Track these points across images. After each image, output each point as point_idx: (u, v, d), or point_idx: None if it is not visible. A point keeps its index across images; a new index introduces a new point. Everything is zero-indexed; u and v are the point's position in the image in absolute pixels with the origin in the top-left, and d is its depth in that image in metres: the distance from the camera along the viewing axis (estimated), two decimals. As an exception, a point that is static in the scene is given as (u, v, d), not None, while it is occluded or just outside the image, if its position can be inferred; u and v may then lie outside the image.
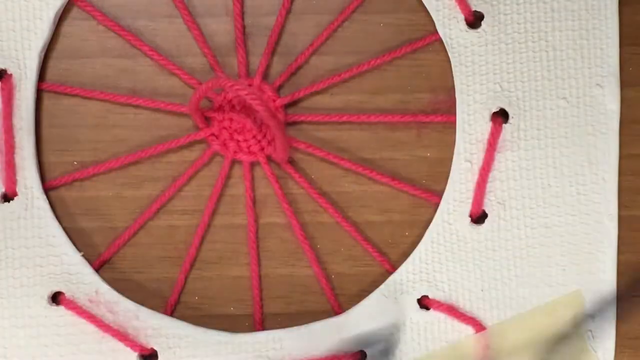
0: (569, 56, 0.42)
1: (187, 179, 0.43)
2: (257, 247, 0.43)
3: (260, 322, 0.43)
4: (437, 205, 0.42)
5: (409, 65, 0.43)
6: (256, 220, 0.43)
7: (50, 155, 0.43)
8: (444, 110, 0.43)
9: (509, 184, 0.42)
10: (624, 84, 0.42)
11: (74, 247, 0.42)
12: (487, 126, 0.42)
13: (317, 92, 0.43)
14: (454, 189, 0.42)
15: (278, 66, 0.43)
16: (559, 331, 0.42)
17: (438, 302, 0.42)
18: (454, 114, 0.42)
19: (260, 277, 0.43)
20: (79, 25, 0.43)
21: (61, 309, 0.41)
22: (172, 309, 0.43)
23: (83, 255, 0.42)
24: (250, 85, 0.42)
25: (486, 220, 0.42)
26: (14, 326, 0.41)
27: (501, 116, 0.42)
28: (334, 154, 0.43)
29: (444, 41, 0.42)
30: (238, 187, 0.43)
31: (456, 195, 0.42)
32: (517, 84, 0.42)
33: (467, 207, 0.42)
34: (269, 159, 0.43)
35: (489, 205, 0.42)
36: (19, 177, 0.41)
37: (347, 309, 0.42)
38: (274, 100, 0.42)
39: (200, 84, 0.41)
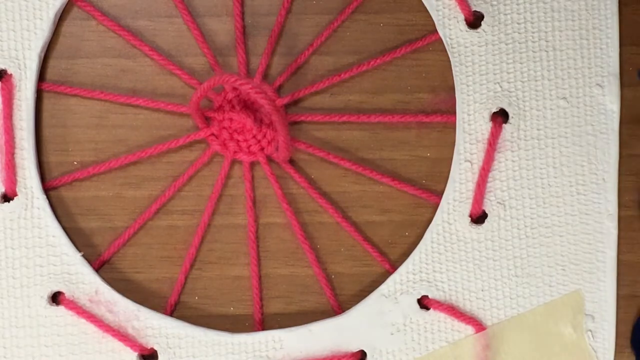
0: (569, 56, 0.42)
1: (187, 179, 0.43)
2: (257, 247, 0.43)
3: (260, 322, 0.43)
4: (437, 205, 0.42)
5: (409, 65, 0.43)
6: (256, 220, 0.43)
7: (50, 155, 0.43)
8: (444, 110, 0.43)
9: (509, 184, 0.42)
10: (624, 84, 0.42)
11: (74, 247, 0.42)
12: (487, 126, 0.42)
13: (317, 92, 0.43)
14: (454, 189, 0.42)
15: (278, 66, 0.43)
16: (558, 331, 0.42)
17: (438, 302, 0.42)
18: (454, 114, 0.42)
19: (260, 277, 0.43)
20: (79, 25, 0.43)
21: (61, 309, 0.41)
22: (172, 309, 0.43)
23: (83, 255, 0.42)
24: (250, 85, 0.42)
25: (486, 220, 0.42)
26: (14, 326, 0.41)
27: (501, 116, 0.42)
28: (334, 154, 0.43)
29: (444, 41, 0.42)
30: (238, 187, 0.43)
31: (456, 195, 0.42)
32: (517, 84, 0.42)
33: (467, 207, 0.42)
34: (269, 159, 0.43)
35: (489, 205, 0.42)
36: (19, 177, 0.41)
37: (347, 309, 0.42)
38: (274, 100, 0.42)
39: (201, 84, 0.41)
